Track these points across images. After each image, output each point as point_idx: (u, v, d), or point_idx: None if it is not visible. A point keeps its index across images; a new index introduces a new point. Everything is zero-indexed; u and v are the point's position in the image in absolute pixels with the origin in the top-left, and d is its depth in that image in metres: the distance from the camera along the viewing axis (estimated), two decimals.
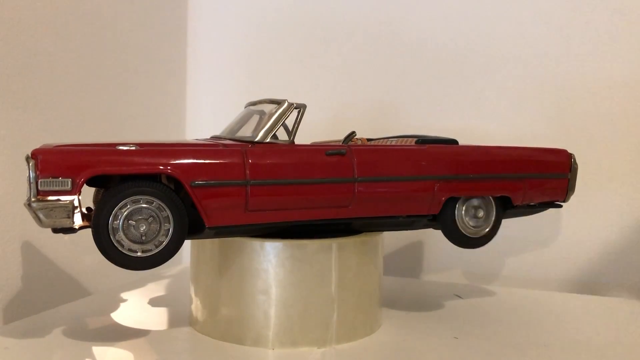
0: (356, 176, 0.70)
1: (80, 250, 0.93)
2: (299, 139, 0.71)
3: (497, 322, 0.85)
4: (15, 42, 0.82)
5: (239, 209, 0.65)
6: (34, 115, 0.85)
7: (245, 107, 0.81)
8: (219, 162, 0.64)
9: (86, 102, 0.96)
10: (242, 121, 0.77)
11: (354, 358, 0.69)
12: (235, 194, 0.64)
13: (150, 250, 0.63)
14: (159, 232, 0.63)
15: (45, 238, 0.85)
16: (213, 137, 0.76)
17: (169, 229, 0.63)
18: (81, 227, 0.65)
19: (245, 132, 0.74)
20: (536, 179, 0.81)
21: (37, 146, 0.61)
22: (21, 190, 0.60)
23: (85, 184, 0.66)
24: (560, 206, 0.87)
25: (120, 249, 0.61)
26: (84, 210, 0.67)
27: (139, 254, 0.62)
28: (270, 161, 0.67)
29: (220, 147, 0.64)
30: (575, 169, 0.85)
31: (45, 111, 0.87)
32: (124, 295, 0.95)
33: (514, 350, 0.73)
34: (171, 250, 0.63)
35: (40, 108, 0.86)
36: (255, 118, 0.75)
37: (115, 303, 0.90)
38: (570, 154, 0.85)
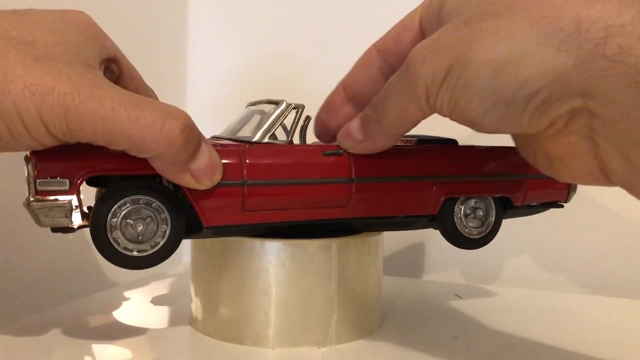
0: (354, 176, 0.70)
1: (80, 249, 0.94)
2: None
3: (497, 322, 0.85)
4: None
5: (236, 209, 0.65)
6: None
7: (246, 107, 0.81)
8: None
9: None
10: (244, 121, 0.77)
11: (354, 358, 0.69)
12: (232, 194, 0.64)
13: (146, 250, 0.63)
14: (155, 233, 0.63)
15: (45, 238, 0.85)
16: (213, 137, 0.76)
17: (166, 231, 0.63)
18: (81, 227, 0.66)
19: (246, 132, 0.74)
20: (537, 179, 0.81)
21: None
22: (21, 189, 0.60)
23: (86, 184, 0.67)
24: (562, 206, 0.87)
25: (116, 246, 0.62)
26: (85, 209, 0.67)
27: (134, 253, 0.62)
28: (267, 161, 0.67)
29: (218, 147, 0.64)
30: None
31: None
32: (124, 294, 0.95)
33: (514, 350, 0.73)
34: (167, 252, 0.64)
35: None
36: (257, 118, 0.75)
37: (115, 302, 0.90)
38: None
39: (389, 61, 0.69)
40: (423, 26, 0.64)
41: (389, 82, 0.61)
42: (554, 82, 0.48)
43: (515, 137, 0.62)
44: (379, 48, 0.70)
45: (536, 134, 0.53)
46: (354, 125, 0.68)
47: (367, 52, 0.72)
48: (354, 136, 0.67)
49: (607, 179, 0.52)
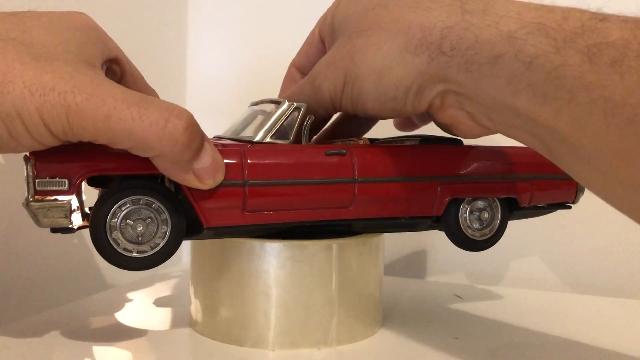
0: (356, 176, 0.69)
1: (80, 250, 0.93)
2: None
3: (497, 322, 0.84)
4: None
5: (237, 209, 0.64)
6: None
7: (249, 107, 0.80)
8: None
9: None
10: (247, 121, 0.77)
11: (355, 359, 0.69)
12: (233, 194, 0.64)
13: (146, 251, 0.62)
14: (155, 234, 0.62)
15: (45, 237, 0.85)
16: (215, 137, 0.76)
17: (166, 232, 0.63)
18: (81, 227, 0.65)
19: (248, 132, 0.74)
20: (544, 180, 0.80)
21: None
22: (21, 189, 0.60)
23: (88, 184, 0.66)
24: (570, 207, 0.86)
25: (115, 247, 0.61)
26: (87, 210, 0.67)
27: (133, 254, 0.62)
28: (269, 161, 0.66)
29: (219, 147, 0.64)
30: None
31: None
32: (124, 295, 0.95)
33: (514, 350, 0.73)
34: (166, 253, 0.63)
35: None
36: (260, 118, 0.74)
37: (115, 303, 0.90)
38: None
39: (306, 74, 0.78)
40: (323, 39, 0.78)
41: (299, 86, 0.75)
42: (419, 76, 0.62)
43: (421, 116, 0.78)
44: (296, 65, 0.84)
45: (427, 112, 0.67)
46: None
47: (288, 71, 0.85)
48: None
49: (488, 130, 0.66)
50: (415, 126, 0.88)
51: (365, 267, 0.74)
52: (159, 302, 0.91)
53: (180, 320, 0.80)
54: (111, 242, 0.61)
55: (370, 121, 0.83)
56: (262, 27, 1.32)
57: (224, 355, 0.68)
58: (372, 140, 0.81)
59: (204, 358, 0.69)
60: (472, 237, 0.77)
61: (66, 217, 0.59)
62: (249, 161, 0.65)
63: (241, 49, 1.34)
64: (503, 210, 0.79)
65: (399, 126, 0.90)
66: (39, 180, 0.58)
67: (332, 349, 0.71)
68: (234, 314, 0.71)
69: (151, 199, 0.62)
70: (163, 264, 0.64)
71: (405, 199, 0.73)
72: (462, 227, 0.77)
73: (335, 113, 0.75)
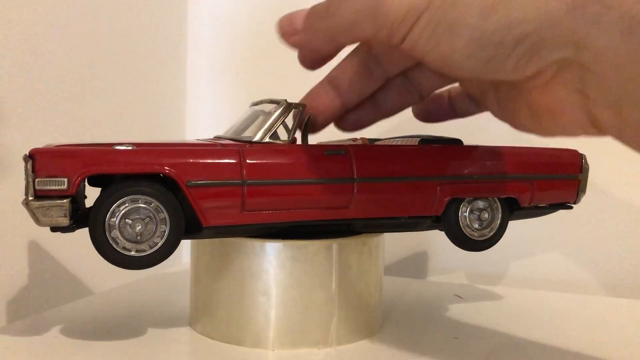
0: (355, 176, 0.69)
1: (80, 250, 0.93)
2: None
3: (497, 322, 0.84)
4: (15, 42, 0.81)
5: (236, 209, 0.65)
6: (33, 116, 0.85)
7: (250, 107, 0.80)
8: (215, 162, 0.64)
9: (86, 102, 0.96)
10: (248, 121, 0.77)
11: (355, 359, 0.69)
12: (231, 194, 0.64)
13: (145, 250, 0.62)
14: (154, 233, 0.62)
15: (45, 237, 0.85)
16: (215, 137, 0.76)
17: (165, 231, 0.63)
18: (80, 226, 0.65)
19: (249, 132, 0.74)
20: (545, 180, 0.80)
21: (36, 146, 0.61)
22: (21, 189, 0.60)
23: (89, 184, 0.66)
24: (571, 207, 0.85)
25: (114, 246, 0.61)
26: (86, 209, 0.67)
27: (132, 253, 0.62)
28: (267, 161, 0.66)
29: (218, 147, 0.64)
30: (587, 170, 0.83)
31: (45, 112, 0.87)
32: (124, 295, 0.95)
33: (514, 350, 0.73)
34: (165, 252, 0.63)
35: (40, 109, 0.86)
36: (260, 119, 0.74)
37: (115, 303, 0.90)
38: (581, 155, 0.84)
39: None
40: None
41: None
42: (546, 26, 0.46)
43: (490, 93, 0.58)
44: None
45: (521, 85, 0.51)
46: (300, 12, 0.61)
47: None
48: (294, 23, 0.61)
49: (597, 130, 0.51)
50: (443, 117, 0.71)
51: (365, 267, 0.74)
52: (159, 302, 0.91)
53: (180, 319, 0.80)
54: (110, 241, 0.61)
55: (418, 87, 0.65)
56: (262, 27, 1.32)
57: (223, 355, 0.68)
58: (372, 141, 0.81)
59: (203, 358, 0.69)
60: (471, 237, 0.77)
61: (65, 216, 0.59)
62: (247, 161, 0.65)
63: (241, 49, 1.34)
64: (503, 210, 0.79)
65: (422, 114, 0.72)
66: (38, 179, 0.58)
67: (332, 349, 0.71)
68: (234, 314, 0.71)
69: (150, 198, 0.62)
70: (162, 263, 0.64)
71: (404, 199, 0.72)
72: (462, 227, 0.77)
73: (382, 45, 0.57)
